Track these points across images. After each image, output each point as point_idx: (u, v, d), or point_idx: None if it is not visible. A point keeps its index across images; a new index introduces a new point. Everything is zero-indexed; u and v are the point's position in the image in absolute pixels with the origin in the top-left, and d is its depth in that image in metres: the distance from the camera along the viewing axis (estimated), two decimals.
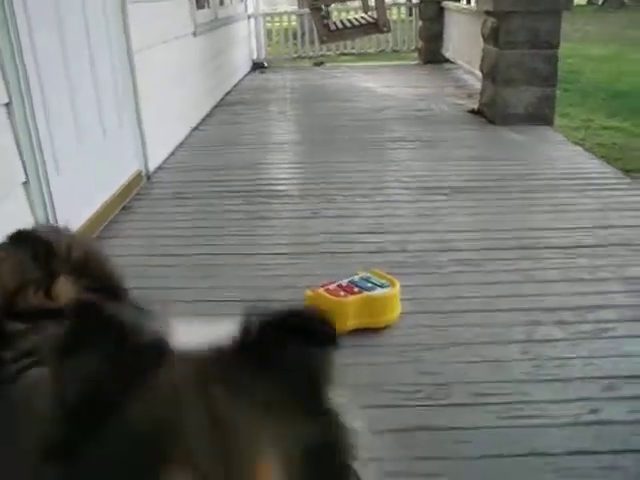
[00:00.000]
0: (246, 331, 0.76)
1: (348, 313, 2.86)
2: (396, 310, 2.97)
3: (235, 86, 9.44)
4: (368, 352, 2.77)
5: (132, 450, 0.66)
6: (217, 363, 0.73)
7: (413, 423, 2.34)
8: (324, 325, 0.79)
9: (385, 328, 2.92)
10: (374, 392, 2.51)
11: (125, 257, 3.69)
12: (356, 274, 3.07)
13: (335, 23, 8.71)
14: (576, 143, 6.21)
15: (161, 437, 0.66)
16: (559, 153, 5.66)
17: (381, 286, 2.98)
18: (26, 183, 3.23)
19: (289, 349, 0.76)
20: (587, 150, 5.98)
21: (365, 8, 9.53)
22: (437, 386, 2.54)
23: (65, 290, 1.20)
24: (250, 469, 0.67)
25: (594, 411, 2.38)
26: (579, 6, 28.70)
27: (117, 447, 0.66)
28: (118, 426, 0.67)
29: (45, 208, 3.37)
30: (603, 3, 30.47)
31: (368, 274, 3.07)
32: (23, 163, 3.19)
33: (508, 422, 2.34)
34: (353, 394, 1.01)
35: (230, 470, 0.66)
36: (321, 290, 2.92)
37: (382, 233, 3.98)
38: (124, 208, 4.46)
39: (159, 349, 0.71)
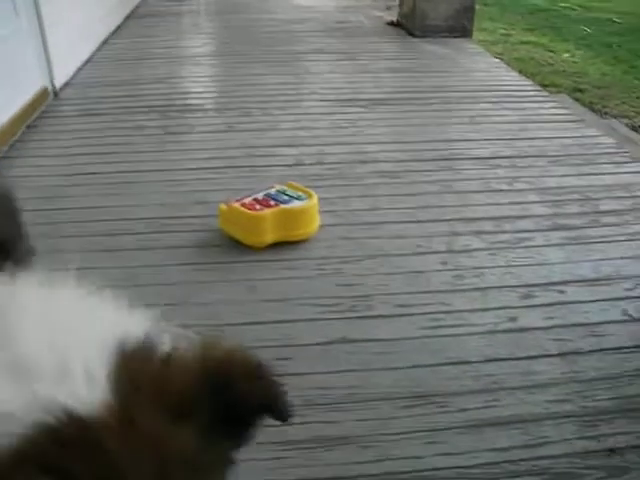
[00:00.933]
0: None
1: (265, 227, 2.78)
2: (314, 223, 2.90)
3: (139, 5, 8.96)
4: (287, 266, 2.72)
5: None
6: None
7: (334, 336, 2.31)
8: None
9: (304, 241, 2.85)
10: (295, 306, 2.47)
11: (33, 178, 3.52)
12: (272, 187, 2.97)
13: None
14: (495, 57, 6.17)
15: None
16: (478, 65, 5.62)
17: (298, 198, 2.89)
18: None
19: None
20: (505, 63, 5.95)
21: None
22: (358, 298, 2.51)
23: None
24: None
25: (512, 319, 2.41)
26: None
27: None
28: None
29: None
30: None
31: (284, 187, 2.97)
32: None
33: (429, 332, 2.34)
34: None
35: None
36: (236, 204, 2.82)
37: (299, 146, 3.87)
38: (29, 127, 4.18)
39: None
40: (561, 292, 2.55)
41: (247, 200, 2.83)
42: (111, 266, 2.71)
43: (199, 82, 5.51)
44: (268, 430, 1.84)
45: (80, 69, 5.49)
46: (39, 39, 4.56)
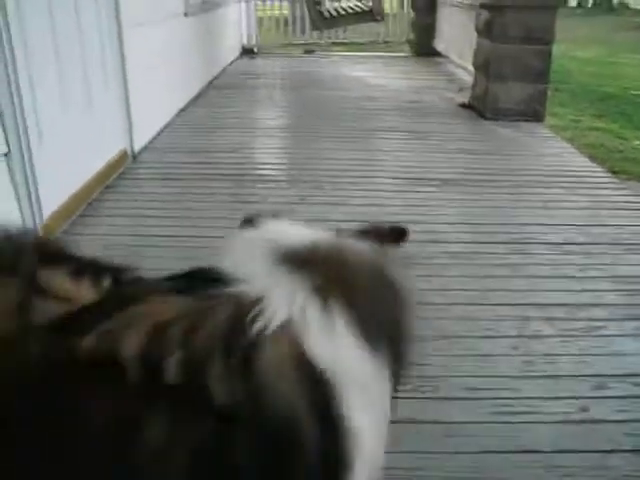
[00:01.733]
0: None
1: None
2: None
3: (224, 70, 9.31)
4: None
5: None
6: None
7: (400, 415, 2.28)
8: None
9: None
10: None
11: (109, 236, 3.64)
12: None
13: (329, 10, 8.63)
14: (565, 142, 6.17)
15: None
16: (549, 150, 5.63)
17: None
18: (7, 154, 3.14)
19: None
20: (576, 149, 5.95)
21: None
22: (425, 379, 2.48)
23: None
24: None
25: (583, 409, 2.35)
26: (569, 8, 28.80)
27: None
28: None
29: (27, 182, 3.28)
30: (593, 5, 30.59)
31: None
32: (5, 134, 3.11)
33: (497, 418, 2.30)
34: None
35: None
36: None
37: (370, 222, 3.90)
38: (107, 187, 4.36)
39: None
40: (636, 385, 2.48)
41: None
42: None
43: (272, 153, 5.66)
44: None
45: (158, 134, 5.72)
46: (124, 106, 4.79)
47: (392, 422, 2.21)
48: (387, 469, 2.02)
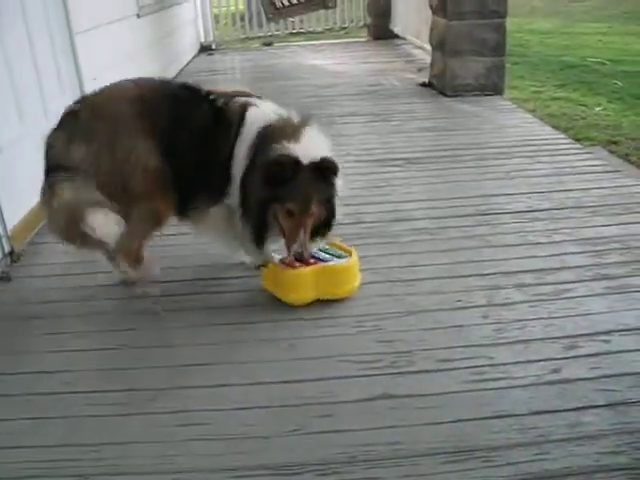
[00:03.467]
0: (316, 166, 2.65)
1: (305, 285, 2.80)
2: (355, 281, 2.91)
3: (183, 69, 9.24)
4: (327, 324, 2.73)
5: (284, 191, 2.64)
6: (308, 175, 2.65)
7: (377, 392, 2.30)
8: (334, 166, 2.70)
9: (343, 299, 2.86)
10: (336, 363, 2.47)
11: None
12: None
13: (281, 1, 8.60)
14: (527, 113, 6.21)
15: (291, 191, 2.64)
16: (511, 121, 5.65)
17: (339, 257, 2.92)
18: None
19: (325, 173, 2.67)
20: (538, 119, 5.98)
21: None
22: (399, 354, 2.50)
23: None
24: (311, 207, 2.67)
25: (556, 370, 2.37)
26: None
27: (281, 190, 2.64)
28: (281, 186, 2.63)
29: None
30: None
31: (325, 245, 3.00)
32: None
33: (472, 386, 2.31)
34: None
35: (306, 206, 2.65)
36: (276, 261, 2.85)
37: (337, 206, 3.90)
38: None
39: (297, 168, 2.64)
40: (606, 342, 2.51)
41: (288, 259, 2.86)
42: (148, 327, 2.77)
43: None
44: None
45: None
46: None
47: (368, 399, 2.24)
48: (366, 445, 2.04)
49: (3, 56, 3.65)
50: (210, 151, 2.80)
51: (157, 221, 2.87)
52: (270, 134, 2.75)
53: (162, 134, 2.77)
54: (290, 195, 2.65)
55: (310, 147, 2.69)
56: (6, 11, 3.74)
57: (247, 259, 3.16)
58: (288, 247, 2.72)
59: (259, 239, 2.79)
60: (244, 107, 2.88)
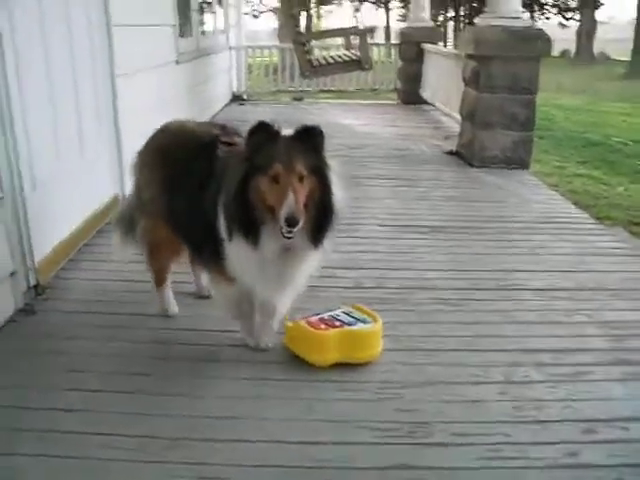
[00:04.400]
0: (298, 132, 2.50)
1: (328, 346, 2.83)
2: (377, 346, 2.94)
3: (214, 116, 9.41)
4: (348, 387, 2.74)
5: (265, 157, 2.44)
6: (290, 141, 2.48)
7: (393, 461, 2.31)
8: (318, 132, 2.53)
9: (365, 364, 2.89)
10: (354, 428, 2.48)
11: (99, 281, 3.66)
12: (338, 308, 3.05)
13: (317, 59, 8.79)
14: (550, 189, 6.27)
15: (272, 155, 2.43)
16: (535, 197, 5.71)
17: (363, 321, 2.95)
18: (1, 199, 3.20)
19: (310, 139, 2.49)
20: (561, 195, 6.04)
21: (347, 45, 9.63)
22: (416, 424, 2.51)
23: None
24: (297, 167, 2.41)
25: (573, 454, 2.37)
26: (553, 57, 29.35)
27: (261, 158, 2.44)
28: (262, 154, 2.44)
29: (19, 227, 3.32)
30: (575, 55, 31.26)
31: (350, 309, 3.04)
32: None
33: (488, 463, 2.32)
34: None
35: (291, 166, 2.40)
36: (302, 321, 2.90)
37: (360, 269, 3.96)
38: (99, 231, 4.39)
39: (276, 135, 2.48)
40: (624, 429, 2.51)
41: (313, 319, 2.91)
42: (168, 374, 2.80)
43: None
44: None
45: None
46: (115, 152, 4.85)
47: (384, 467, 2.25)
48: None
49: (49, 94, 3.78)
50: (199, 202, 2.72)
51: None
52: None
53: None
54: (272, 158, 2.41)
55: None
56: (56, 50, 3.88)
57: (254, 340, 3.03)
58: (279, 217, 2.39)
59: (248, 228, 2.49)
60: None
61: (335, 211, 2.55)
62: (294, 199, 2.37)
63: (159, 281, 3.29)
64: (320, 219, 2.54)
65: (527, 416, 2.60)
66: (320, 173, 2.50)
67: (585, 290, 3.77)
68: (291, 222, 2.36)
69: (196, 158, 2.81)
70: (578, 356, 3.06)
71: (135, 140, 5.07)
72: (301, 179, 2.43)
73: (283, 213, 2.36)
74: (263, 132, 2.48)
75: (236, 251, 2.59)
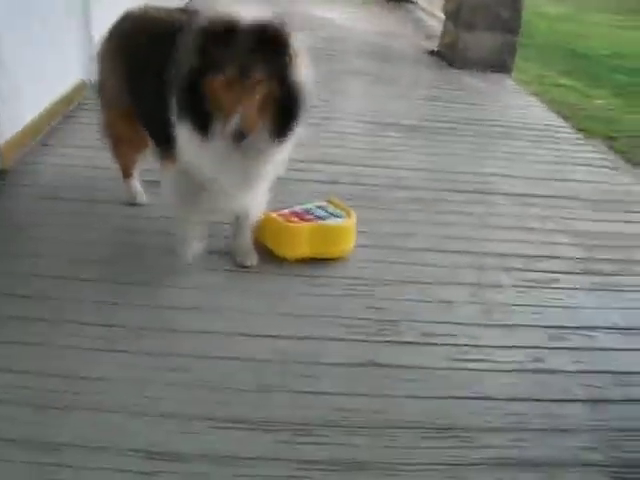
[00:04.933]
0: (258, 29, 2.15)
1: (300, 240, 2.77)
2: (350, 242, 2.88)
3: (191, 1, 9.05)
4: (317, 282, 2.70)
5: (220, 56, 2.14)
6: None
7: (361, 358, 2.29)
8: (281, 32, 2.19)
9: (336, 259, 2.84)
10: (323, 324, 2.45)
11: (65, 167, 3.52)
12: (312, 202, 2.97)
13: None
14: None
15: (228, 56, 2.13)
16: (516, 102, 5.62)
17: (337, 216, 2.88)
18: None
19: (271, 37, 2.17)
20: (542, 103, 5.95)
21: None
22: (386, 322, 2.49)
23: None
24: (252, 73, 2.14)
25: (539, 359, 2.38)
26: None
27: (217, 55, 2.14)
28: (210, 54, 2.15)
29: None
30: None
31: (324, 203, 2.96)
32: None
33: (455, 364, 2.31)
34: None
35: (246, 72, 2.13)
36: (273, 214, 2.81)
37: (334, 164, 3.87)
38: (66, 117, 4.19)
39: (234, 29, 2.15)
40: (590, 337, 2.52)
41: (285, 211, 2.83)
42: (133, 263, 2.73)
43: None
44: (283, 446, 1.82)
45: None
46: (85, 36, 4.60)
47: (352, 364, 2.24)
48: (346, 411, 2.04)
49: None
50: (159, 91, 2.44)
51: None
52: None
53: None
54: (225, 59, 2.16)
55: (256, 12, 2.22)
56: None
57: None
58: (227, 126, 2.20)
59: (198, 119, 2.29)
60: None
61: (299, 109, 2.31)
62: (243, 113, 2.15)
63: (126, 173, 3.14)
64: (281, 119, 2.31)
65: (495, 319, 2.59)
66: (281, 75, 2.22)
67: (560, 198, 3.74)
68: (237, 138, 2.20)
69: (158, 46, 2.49)
70: (549, 263, 3.05)
71: (106, 23, 4.86)
72: (257, 84, 2.18)
73: (229, 127, 2.18)
74: (217, 26, 2.17)
75: (187, 138, 2.37)
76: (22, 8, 3.61)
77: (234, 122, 2.15)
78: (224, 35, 2.14)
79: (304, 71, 2.28)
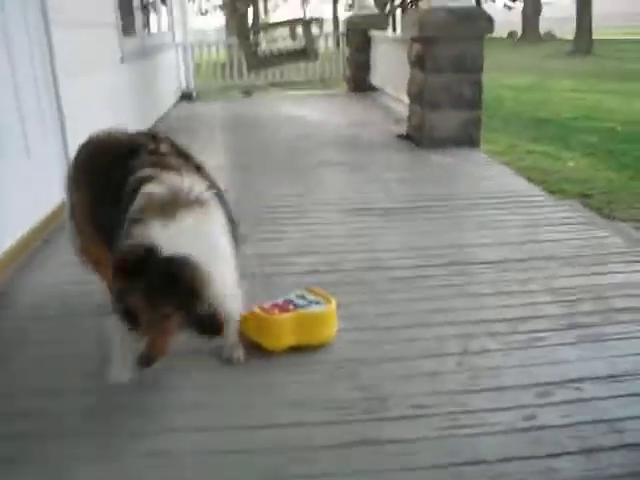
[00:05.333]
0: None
1: (283, 330, 2.83)
2: (332, 327, 2.94)
3: (164, 114, 9.36)
4: (304, 370, 2.74)
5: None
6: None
7: (351, 438, 2.32)
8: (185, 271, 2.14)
9: (321, 345, 2.89)
10: (311, 409, 2.48)
11: (51, 288, 3.60)
12: (292, 292, 3.04)
13: (264, 52, 8.76)
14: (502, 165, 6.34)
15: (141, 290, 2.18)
16: (486, 173, 5.77)
17: (317, 303, 2.95)
18: None
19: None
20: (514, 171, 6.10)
21: (293, 37, 9.62)
22: (374, 400, 2.52)
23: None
24: (159, 309, 2.20)
25: (529, 417, 2.40)
26: (500, 39, 29.71)
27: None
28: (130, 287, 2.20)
29: None
30: (521, 37, 31.66)
31: (304, 292, 3.04)
32: None
33: (445, 432, 2.34)
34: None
35: (153, 308, 2.19)
36: (256, 309, 2.88)
37: (314, 254, 3.96)
38: (46, 240, 4.28)
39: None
40: (578, 389, 2.55)
41: (267, 305, 2.90)
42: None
43: None
44: None
45: None
46: (63, 155, 4.78)
47: (344, 444, 2.26)
48: None
49: None
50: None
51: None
52: (144, 209, 2.33)
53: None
54: (134, 291, 2.19)
55: (182, 236, 2.23)
56: None
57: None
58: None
59: (130, 323, 2.30)
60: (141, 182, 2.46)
61: (217, 327, 2.30)
62: (152, 341, 2.25)
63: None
64: (201, 332, 2.32)
65: (483, 384, 2.62)
66: (189, 307, 2.19)
67: (536, 259, 3.81)
68: (143, 362, 2.29)
69: (116, 170, 2.58)
70: (532, 323, 3.09)
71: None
72: (165, 317, 2.22)
73: (138, 351, 2.27)
74: (131, 258, 2.18)
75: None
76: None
77: (143, 346, 2.25)
78: (134, 268, 2.15)
79: (219, 289, 2.24)
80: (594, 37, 25.42)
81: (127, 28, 7.54)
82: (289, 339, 2.83)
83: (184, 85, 11.50)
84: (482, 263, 3.78)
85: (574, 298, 3.32)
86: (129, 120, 7.12)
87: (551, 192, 5.81)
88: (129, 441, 2.34)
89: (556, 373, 2.67)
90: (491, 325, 3.08)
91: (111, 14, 6.82)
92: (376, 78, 10.46)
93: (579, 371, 2.68)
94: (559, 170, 7.32)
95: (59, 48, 4.71)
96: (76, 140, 4.78)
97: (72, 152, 4.66)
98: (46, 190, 4.47)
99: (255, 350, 2.86)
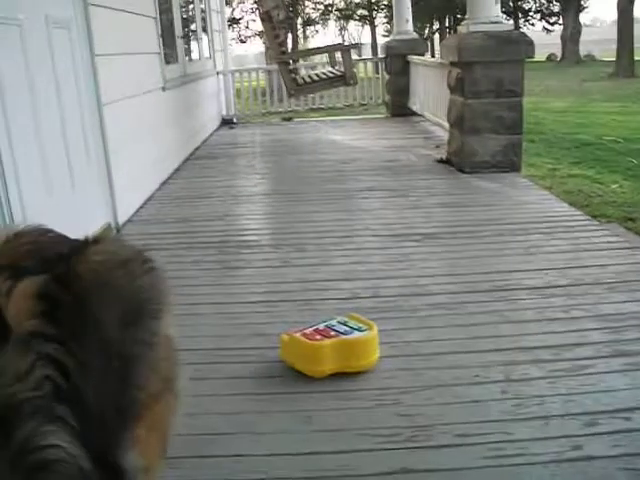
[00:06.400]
0: None
1: (324, 357, 2.82)
2: (374, 354, 2.92)
3: (205, 141, 9.47)
4: (346, 396, 2.73)
5: None
6: None
7: (395, 467, 2.29)
8: None
9: (363, 372, 2.87)
10: (354, 437, 2.46)
11: None
12: (333, 318, 3.04)
13: (303, 77, 8.83)
14: (544, 190, 6.29)
15: None
16: (528, 198, 5.72)
17: (359, 330, 2.94)
18: None
19: None
20: (555, 196, 6.05)
21: (332, 62, 9.71)
22: (417, 428, 2.49)
23: None
24: None
25: (576, 447, 2.35)
26: (539, 62, 29.62)
27: None
28: None
29: None
30: (561, 59, 31.52)
31: (345, 318, 3.04)
32: None
33: (490, 462, 2.30)
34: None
35: None
36: (297, 334, 2.88)
37: (354, 280, 3.96)
38: None
39: None
40: (627, 419, 2.49)
41: (308, 330, 2.90)
42: None
43: (255, 219, 5.74)
44: None
45: (141, 207, 5.80)
46: (106, 181, 4.87)
47: (386, 473, 2.24)
48: None
49: (35, 129, 3.78)
50: None
51: None
52: None
53: None
54: None
55: None
56: (41, 84, 3.90)
57: None
58: None
59: None
60: None
61: None
62: None
63: None
64: None
65: (528, 413, 2.58)
66: None
67: (581, 285, 3.76)
68: None
69: None
70: (577, 350, 3.04)
71: (125, 168, 5.15)
72: None
73: None
74: None
75: None
76: (43, 163, 3.85)
77: None
78: None
79: None
80: (636, 58, 25.20)
81: (169, 56, 7.68)
82: (331, 365, 2.83)
83: (224, 111, 11.63)
84: (526, 289, 3.74)
85: (619, 325, 3.26)
86: (171, 146, 7.25)
87: (594, 216, 5.76)
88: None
89: (603, 402, 2.62)
90: (535, 352, 3.04)
91: (154, 42, 6.95)
92: (415, 103, 10.47)
93: (627, 400, 2.62)
94: (602, 194, 7.25)
95: (103, 75, 4.82)
96: (119, 167, 4.94)
97: (116, 178, 4.82)
98: (90, 218, 4.55)
99: (296, 376, 2.86)
